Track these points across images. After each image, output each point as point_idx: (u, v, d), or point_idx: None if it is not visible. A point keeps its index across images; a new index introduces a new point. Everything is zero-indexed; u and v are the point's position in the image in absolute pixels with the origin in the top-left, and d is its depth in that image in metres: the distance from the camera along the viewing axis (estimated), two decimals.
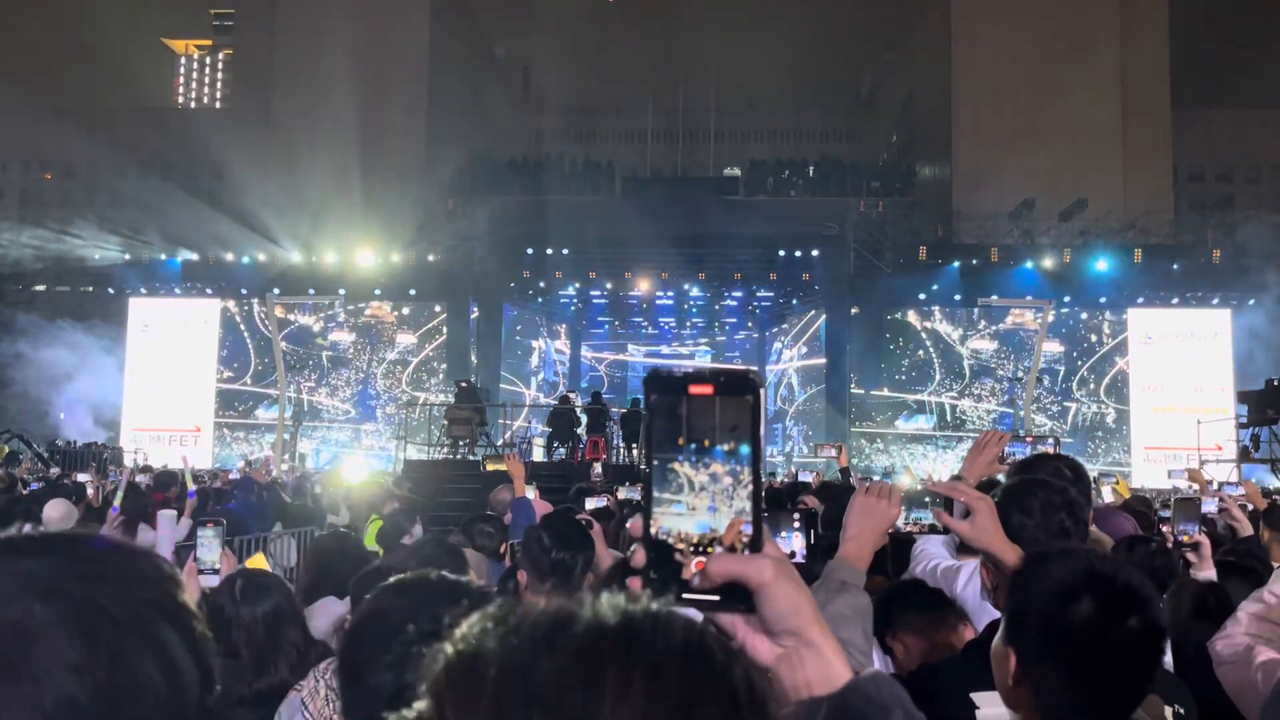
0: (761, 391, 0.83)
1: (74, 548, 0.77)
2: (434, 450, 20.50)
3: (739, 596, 0.83)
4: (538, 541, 3.26)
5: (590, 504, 5.77)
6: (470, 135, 47.88)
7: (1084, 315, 28.88)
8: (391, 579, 1.57)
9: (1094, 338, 29.11)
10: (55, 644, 0.69)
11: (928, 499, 2.31)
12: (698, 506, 0.82)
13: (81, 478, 8.24)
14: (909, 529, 2.31)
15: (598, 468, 11.60)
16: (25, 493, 9.59)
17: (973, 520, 2.11)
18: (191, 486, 8.92)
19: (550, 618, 0.59)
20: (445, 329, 30.02)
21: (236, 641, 2.80)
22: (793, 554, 2.03)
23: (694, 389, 0.82)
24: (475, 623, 0.61)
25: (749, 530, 0.81)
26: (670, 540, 0.81)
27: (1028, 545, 2.11)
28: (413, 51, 42.82)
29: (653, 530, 0.82)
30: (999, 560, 2.10)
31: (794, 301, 31.38)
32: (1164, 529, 5.02)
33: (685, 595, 0.81)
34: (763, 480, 0.83)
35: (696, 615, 0.70)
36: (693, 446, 0.81)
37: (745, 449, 0.81)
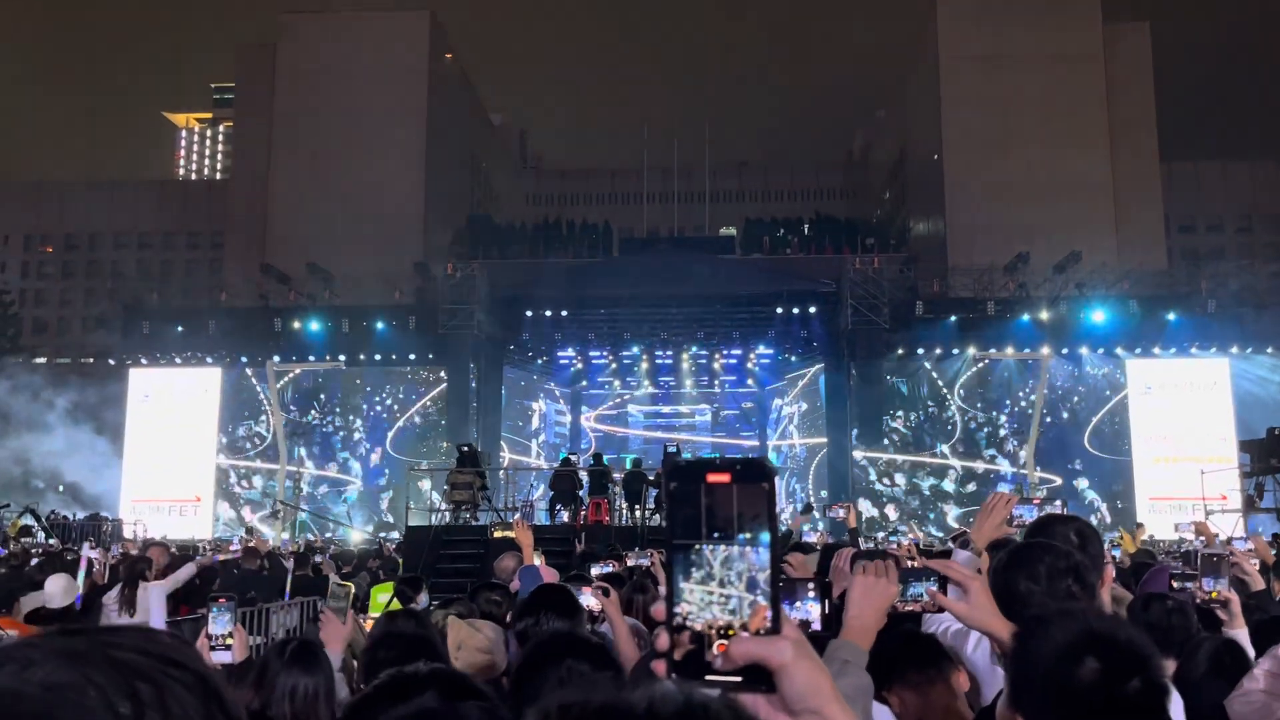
0: (776, 478, 0.87)
1: (96, 629, 0.83)
2: (436, 515, 20.39)
3: (760, 677, 0.86)
4: (517, 613, 3.24)
5: (595, 570, 5.75)
6: (468, 200, 48.49)
7: (1082, 368, 28.92)
8: (383, 675, 1.62)
9: (1093, 390, 29.10)
10: (101, 701, 0.73)
11: (926, 578, 2.32)
12: (719, 592, 0.85)
13: (87, 552, 8.22)
14: (910, 608, 2.31)
15: (580, 540, 11.52)
16: (29, 567, 9.53)
17: (967, 599, 2.12)
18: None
19: (613, 711, 0.62)
20: (445, 393, 30.03)
21: (277, 701, 2.83)
22: (808, 624, 2.04)
23: (712, 477, 0.85)
24: (542, 712, 0.64)
25: (770, 615, 0.84)
26: (694, 624, 0.84)
27: (1034, 611, 2.10)
28: (411, 119, 43.52)
29: (677, 614, 0.84)
30: (995, 637, 2.10)
31: (792, 359, 31.47)
32: (1173, 583, 4.98)
33: (708, 677, 0.83)
34: (780, 563, 0.87)
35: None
36: (713, 533, 0.84)
37: (763, 534, 0.84)
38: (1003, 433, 29.01)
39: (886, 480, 29.06)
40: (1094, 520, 23.47)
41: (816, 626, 1.93)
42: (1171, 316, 27.76)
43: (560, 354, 31.75)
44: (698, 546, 0.84)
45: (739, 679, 0.85)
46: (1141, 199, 40.91)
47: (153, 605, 6.85)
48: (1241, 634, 3.76)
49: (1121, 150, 41.04)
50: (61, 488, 29.64)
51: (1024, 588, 2.33)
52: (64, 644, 0.77)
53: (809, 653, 0.89)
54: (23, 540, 15.49)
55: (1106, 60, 41.83)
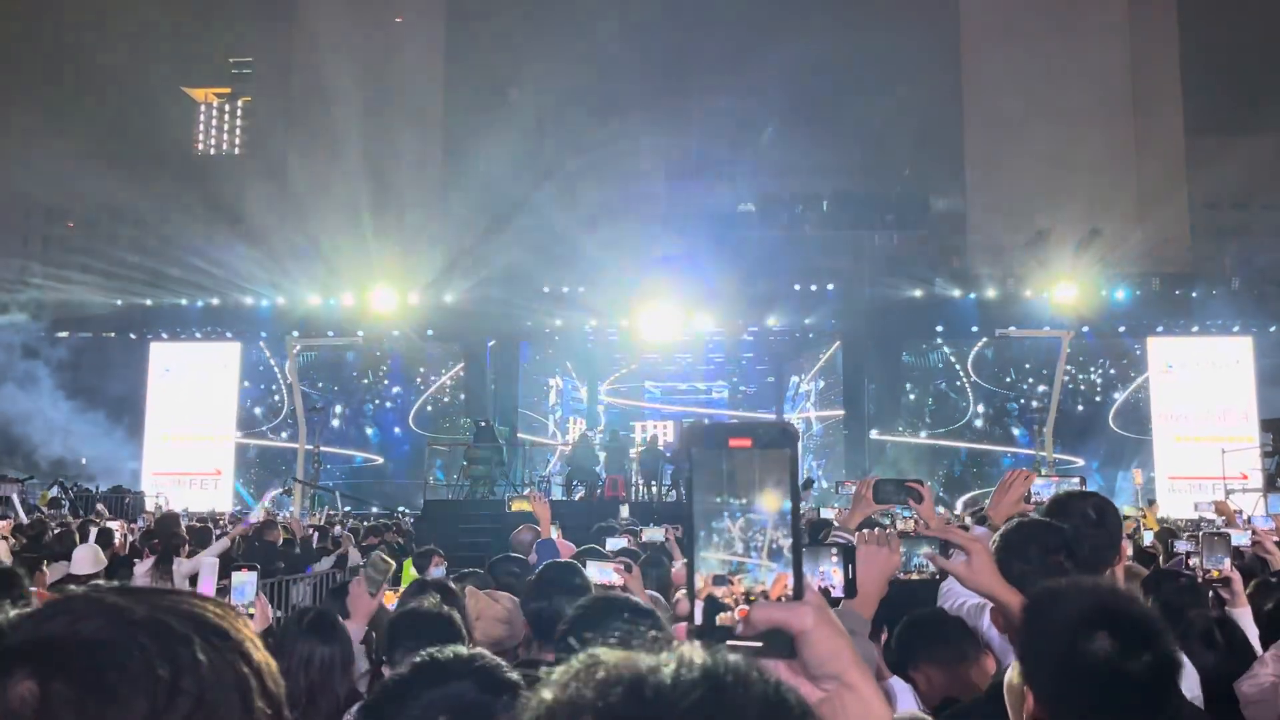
0: (798, 444, 0.87)
1: (150, 590, 0.84)
2: (452, 490, 20.52)
3: (781, 643, 0.85)
4: (528, 593, 3.24)
5: (611, 544, 5.77)
6: (485, 176, 48.37)
7: (1103, 345, 28.67)
8: (421, 657, 1.60)
9: (1113, 368, 28.90)
10: (142, 661, 0.75)
11: (927, 545, 2.31)
12: (739, 557, 0.84)
13: (110, 524, 8.33)
14: (916, 576, 2.31)
15: (625, 510, 11.37)
16: (50, 537, 9.65)
17: (968, 562, 2.10)
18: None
19: (640, 669, 0.63)
20: (463, 369, 30.13)
21: (293, 670, 2.83)
22: (829, 590, 2.05)
23: (734, 442, 0.85)
24: (570, 670, 0.65)
25: (792, 581, 0.84)
26: (715, 590, 0.84)
27: (1044, 584, 2.09)
28: (428, 95, 43.42)
29: (698, 580, 0.84)
30: (998, 600, 2.09)
31: (810, 336, 31.34)
32: (1191, 562, 4.96)
33: (730, 643, 0.83)
34: (801, 529, 0.86)
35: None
36: (734, 499, 0.84)
37: (784, 500, 0.84)
38: (1021, 411, 28.87)
39: (903, 457, 28.98)
40: (1134, 499, 23.33)
41: (839, 593, 1.94)
42: (1194, 294, 27.49)
43: (577, 331, 31.72)
44: (720, 511, 0.84)
45: (760, 644, 0.85)
46: (1166, 174, 40.34)
47: (203, 575, 6.95)
48: (1244, 613, 3.74)
49: (1146, 124, 40.47)
50: (84, 460, 29.94)
51: (1018, 570, 2.32)
52: (117, 601, 0.80)
53: (830, 618, 0.89)
54: (50, 511, 15.74)
55: (1131, 31, 41.17)
